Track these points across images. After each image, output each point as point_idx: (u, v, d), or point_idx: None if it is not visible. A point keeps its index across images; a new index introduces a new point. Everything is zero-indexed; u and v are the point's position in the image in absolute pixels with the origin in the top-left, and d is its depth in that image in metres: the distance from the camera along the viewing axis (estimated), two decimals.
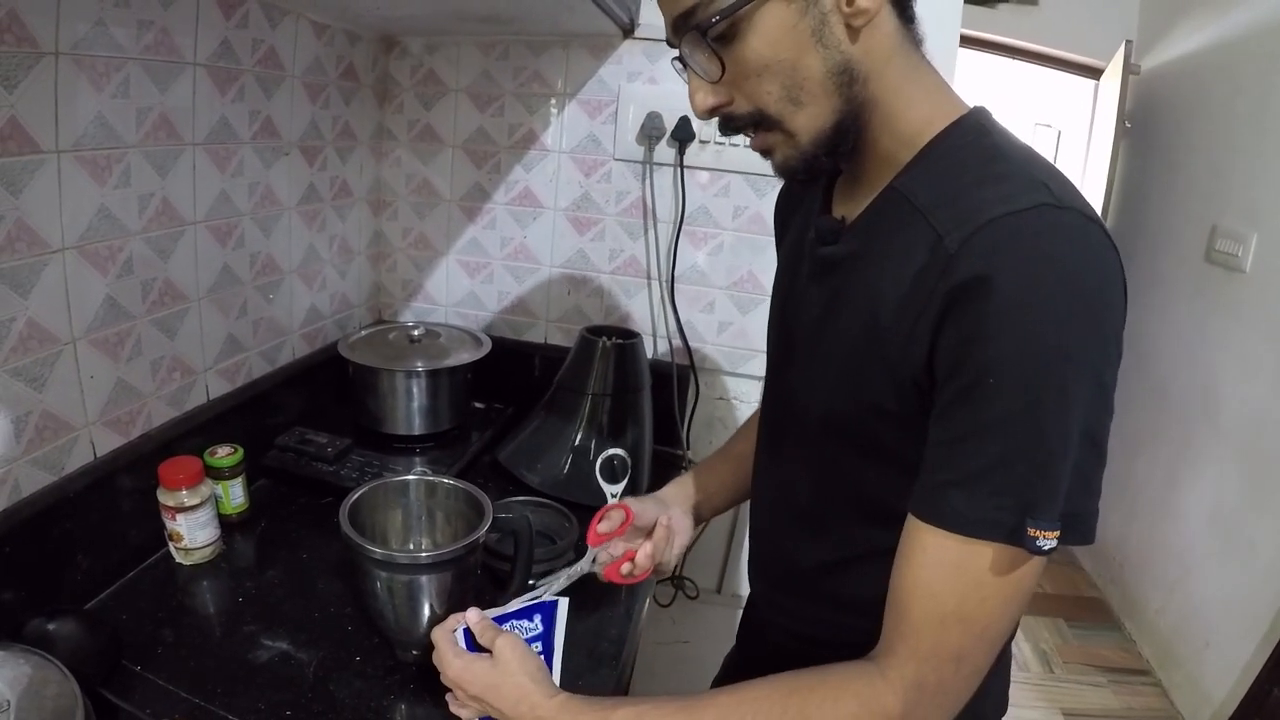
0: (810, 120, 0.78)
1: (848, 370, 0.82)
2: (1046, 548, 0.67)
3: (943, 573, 0.72)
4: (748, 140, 0.84)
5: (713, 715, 0.78)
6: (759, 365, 1.83)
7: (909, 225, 0.75)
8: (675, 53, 0.81)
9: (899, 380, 0.75)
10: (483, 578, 1.19)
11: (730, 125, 0.82)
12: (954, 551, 0.71)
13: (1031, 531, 0.67)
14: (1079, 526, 0.69)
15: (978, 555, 0.70)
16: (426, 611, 1.04)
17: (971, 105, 0.81)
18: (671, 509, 1.18)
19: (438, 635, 0.95)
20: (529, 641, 0.98)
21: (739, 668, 1.21)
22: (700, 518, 1.23)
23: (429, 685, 1.05)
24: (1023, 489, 0.67)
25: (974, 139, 0.77)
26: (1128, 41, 3.55)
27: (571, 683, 1.06)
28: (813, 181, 0.88)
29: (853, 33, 0.75)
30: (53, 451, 1.10)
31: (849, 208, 0.87)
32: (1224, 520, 2.78)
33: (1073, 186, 0.72)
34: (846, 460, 0.87)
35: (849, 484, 0.88)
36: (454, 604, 1.04)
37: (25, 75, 0.97)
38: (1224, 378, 2.85)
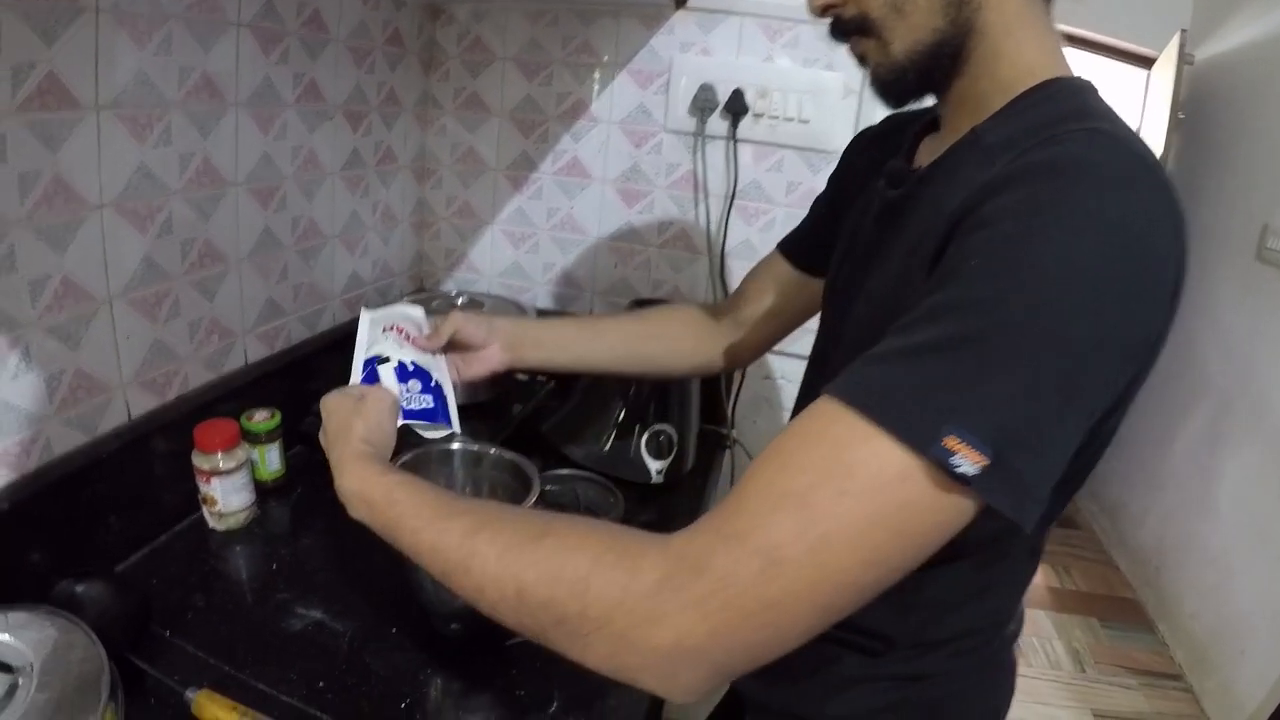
0: (909, 32, 0.74)
1: (877, 315, 0.73)
2: (960, 470, 0.53)
3: (808, 443, 0.58)
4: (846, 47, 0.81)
5: (466, 522, 0.70)
6: (808, 345, 1.77)
7: (971, 162, 0.70)
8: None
9: None
10: None
11: (837, 29, 0.80)
12: (837, 426, 0.57)
13: (948, 442, 0.53)
14: (1009, 480, 0.54)
15: (865, 441, 0.55)
16: None
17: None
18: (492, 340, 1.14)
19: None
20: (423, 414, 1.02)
21: None
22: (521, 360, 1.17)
23: (469, 660, 1.03)
24: (953, 383, 0.55)
25: (1067, 96, 0.71)
26: (1183, 30, 3.44)
27: None
28: (902, 103, 0.82)
29: None
30: (86, 411, 1.09)
31: (928, 159, 0.82)
32: (1266, 526, 2.70)
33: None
34: None
35: None
36: None
37: (65, 29, 0.94)
38: (1273, 381, 2.75)
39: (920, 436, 0.53)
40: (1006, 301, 0.55)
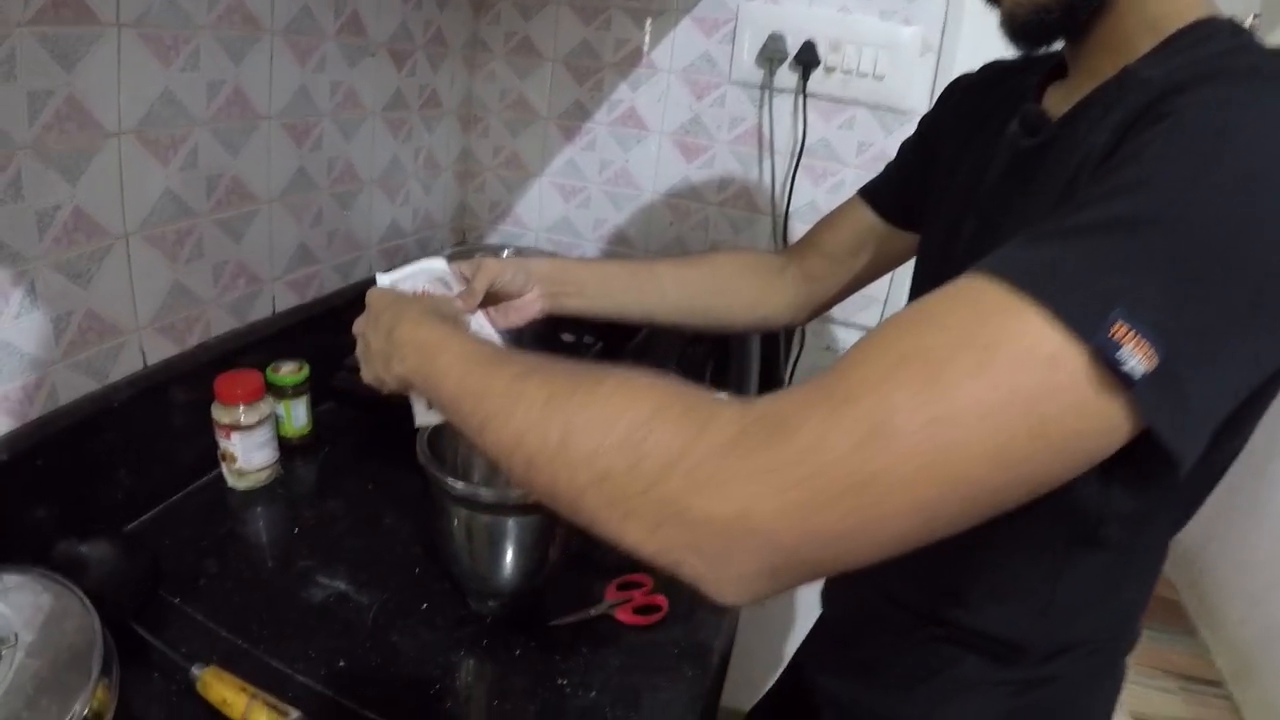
0: None
1: None
2: (1126, 367, 0.44)
3: (945, 307, 0.50)
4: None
5: (518, 368, 0.64)
6: (873, 316, 1.69)
7: (1129, 96, 0.61)
8: None
9: None
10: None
11: None
12: (983, 296, 0.48)
13: (1115, 330, 0.44)
14: (1175, 394, 0.46)
15: (1015, 314, 0.46)
16: (509, 559, 0.95)
17: None
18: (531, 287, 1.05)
19: None
20: None
21: (822, 635, 1.09)
22: (561, 309, 1.08)
23: (506, 641, 0.98)
24: (1127, 263, 0.46)
25: (1228, 35, 0.62)
26: (1255, 15, 3.28)
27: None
28: (1035, 46, 0.73)
29: None
30: (97, 356, 1.02)
31: (1061, 106, 0.73)
32: None
33: None
34: None
35: None
36: (539, 554, 0.95)
37: None
38: None
39: (1083, 316, 0.45)
40: (1198, 184, 0.47)
